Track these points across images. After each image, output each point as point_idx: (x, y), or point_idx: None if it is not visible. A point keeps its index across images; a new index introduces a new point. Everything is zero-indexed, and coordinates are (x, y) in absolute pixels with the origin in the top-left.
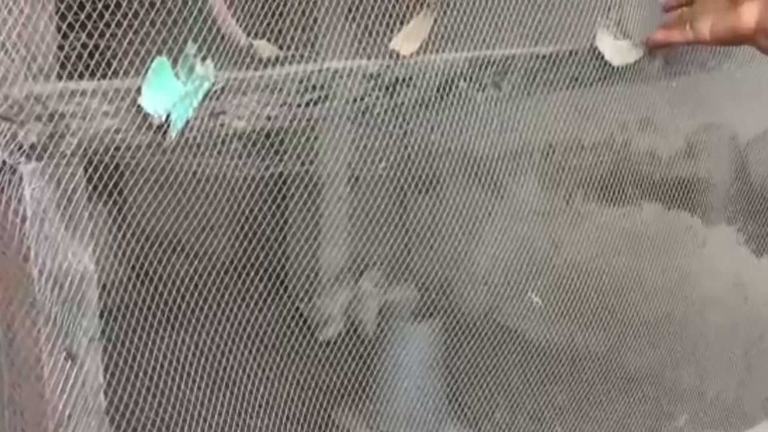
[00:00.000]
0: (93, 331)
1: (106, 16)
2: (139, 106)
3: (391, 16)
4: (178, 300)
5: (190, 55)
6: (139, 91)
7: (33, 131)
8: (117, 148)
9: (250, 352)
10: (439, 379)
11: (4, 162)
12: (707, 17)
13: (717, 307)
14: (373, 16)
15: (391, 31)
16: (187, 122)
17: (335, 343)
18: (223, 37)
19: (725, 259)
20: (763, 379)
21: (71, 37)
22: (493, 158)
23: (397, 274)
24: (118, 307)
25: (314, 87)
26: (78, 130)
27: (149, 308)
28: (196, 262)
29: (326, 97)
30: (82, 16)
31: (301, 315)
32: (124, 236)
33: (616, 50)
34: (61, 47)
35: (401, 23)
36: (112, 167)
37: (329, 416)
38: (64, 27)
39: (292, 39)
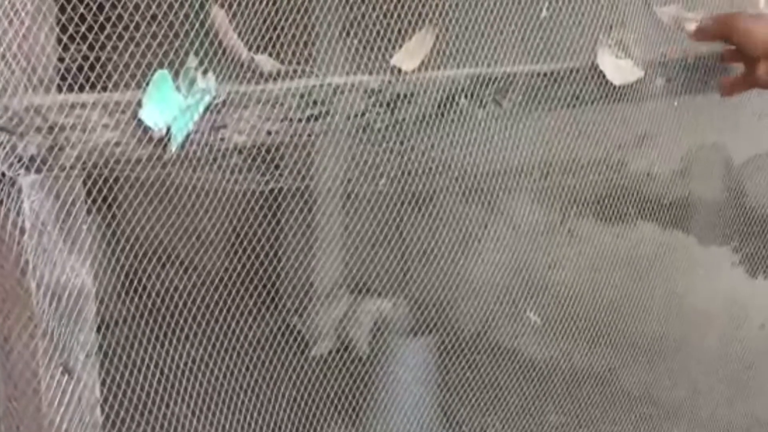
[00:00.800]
0: (90, 345)
1: (107, 28)
2: (139, 119)
3: (392, 32)
4: (171, 313)
5: (191, 68)
6: (139, 103)
7: (33, 143)
8: (117, 161)
9: (242, 366)
10: (433, 395)
11: (3, 174)
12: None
13: (712, 327)
14: (374, 33)
15: (393, 47)
16: (188, 136)
17: (328, 359)
18: (224, 51)
19: (720, 280)
20: (756, 398)
21: (72, 50)
22: (490, 175)
23: (393, 291)
24: (110, 319)
25: (315, 102)
26: (78, 142)
27: (142, 321)
28: (192, 276)
29: (327, 112)
30: (83, 29)
31: (293, 330)
32: (117, 249)
33: (617, 69)
34: (61, 59)
35: (403, 39)
36: (104, 179)
37: None
38: (64, 39)
39: (294, 54)
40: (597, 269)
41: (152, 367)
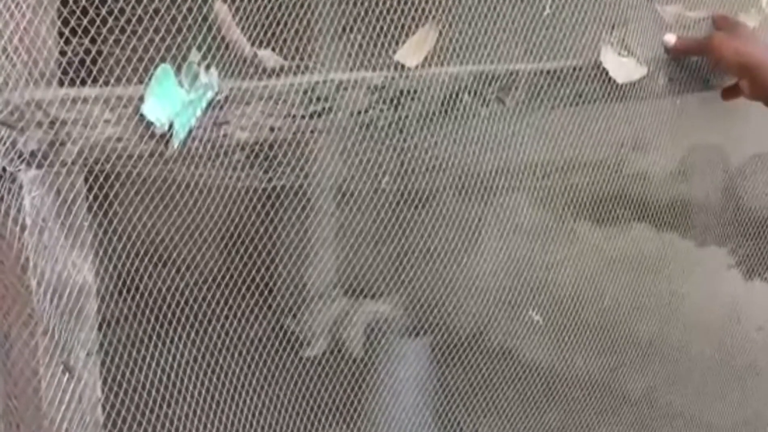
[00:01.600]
0: (91, 344)
1: (110, 21)
2: (141, 114)
3: (396, 27)
4: (164, 313)
5: (193, 63)
6: (141, 98)
7: (33, 138)
8: (119, 157)
9: (235, 367)
10: (429, 397)
11: (3, 169)
12: None
13: (709, 330)
14: (378, 28)
15: (396, 43)
16: (190, 131)
17: (321, 360)
18: (227, 46)
19: (716, 281)
20: (755, 400)
21: (73, 43)
22: (489, 174)
23: (388, 292)
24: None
25: (318, 98)
26: (79, 137)
27: (135, 321)
28: (186, 276)
29: (330, 108)
30: (85, 22)
31: (286, 331)
32: (110, 248)
33: (620, 67)
34: (63, 53)
35: (406, 35)
36: (98, 177)
37: None
38: (66, 32)
39: (297, 49)
40: (594, 271)
41: (145, 367)
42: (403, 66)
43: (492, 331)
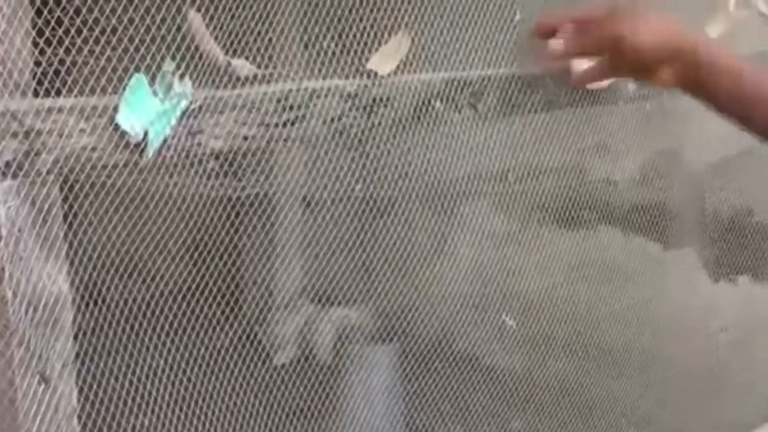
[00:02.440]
0: (67, 354)
1: (84, 32)
2: (116, 123)
3: (369, 36)
4: (132, 323)
5: (168, 73)
6: (116, 108)
7: (9, 148)
8: (93, 167)
9: (204, 375)
10: (396, 403)
11: None
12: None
13: (676, 332)
14: (350, 36)
15: (369, 51)
16: (165, 141)
17: (289, 368)
18: (201, 56)
19: (683, 284)
20: (722, 403)
21: (48, 53)
22: (457, 181)
23: (355, 299)
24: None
25: (291, 107)
26: (54, 147)
27: (103, 332)
28: (153, 286)
29: (303, 117)
30: (60, 32)
31: (256, 339)
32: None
33: None
34: (38, 63)
35: (379, 43)
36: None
37: None
38: (41, 43)
39: (270, 58)
40: (560, 276)
41: (115, 377)
42: (375, 74)
43: (460, 337)
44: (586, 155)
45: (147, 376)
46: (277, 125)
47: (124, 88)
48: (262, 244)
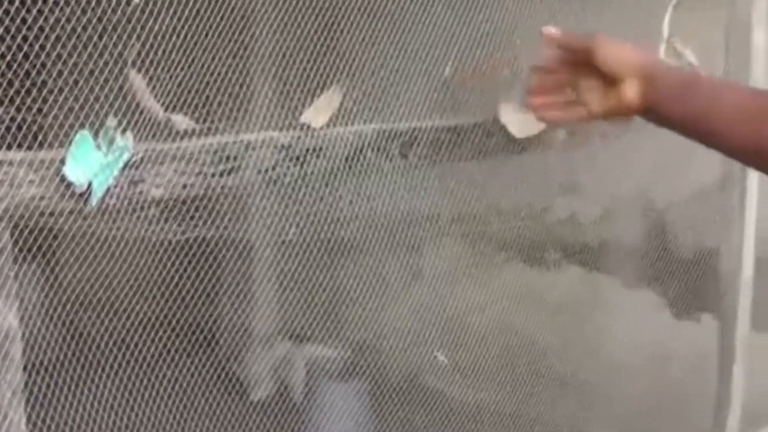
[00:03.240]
0: (16, 385)
1: (33, 92)
2: (62, 175)
3: (302, 91)
4: (110, 363)
5: (110, 128)
6: (62, 161)
7: None
8: (41, 214)
9: (183, 411)
10: None
11: None
12: (593, 93)
13: (637, 370)
14: (285, 92)
15: (303, 105)
16: (108, 190)
17: (265, 404)
18: (141, 112)
19: (645, 323)
20: None
21: (0, 112)
22: (416, 223)
23: (324, 337)
24: (46, 367)
25: (228, 158)
26: (5, 196)
27: (83, 368)
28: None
29: (239, 167)
30: (11, 93)
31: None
32: (54, 299)
33: (518, 123)
34: None
35: (312, 97)
36: (39, 230)
37: None
38: None
39: (208, 113)
40: (523, 314)
41: (92, 413)
42: (308, 126)
43: (423, 373)
44: (541, 197)
45: (126, 411)
46: (213, 175)
47: (70, 143)
48: (238, 284)
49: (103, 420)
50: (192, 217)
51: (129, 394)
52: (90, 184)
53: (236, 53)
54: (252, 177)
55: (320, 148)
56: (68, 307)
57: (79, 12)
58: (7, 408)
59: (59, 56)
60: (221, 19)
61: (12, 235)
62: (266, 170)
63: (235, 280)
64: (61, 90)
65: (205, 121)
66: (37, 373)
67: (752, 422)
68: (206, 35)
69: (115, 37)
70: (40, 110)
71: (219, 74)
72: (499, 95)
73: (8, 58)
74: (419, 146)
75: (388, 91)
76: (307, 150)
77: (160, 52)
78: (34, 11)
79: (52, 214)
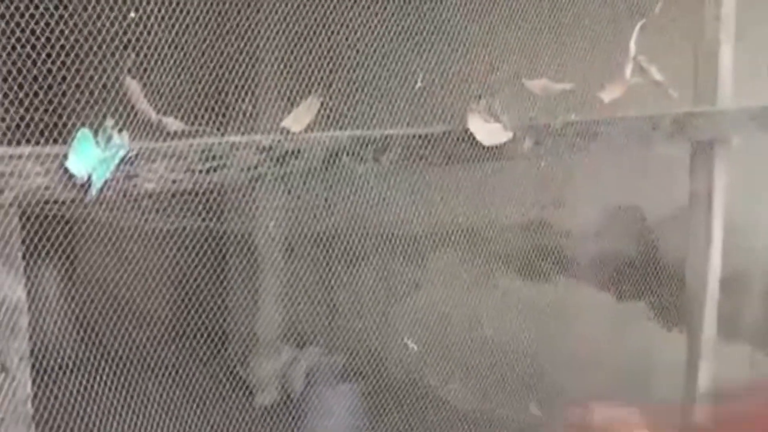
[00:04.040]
0: (23, 350)
1: (41, 94)
2: (65, 168)
3: (283, 99)
4: (122, 362)
5: (108, 127)
6: (66, 156)
7: None
8: (46, 202)
9: (191, 412)
10: None
11: None
12: None
13: (629, 379)
14: (267, 99)
15: (283, 113)
16: (105, 182)
17: (269, 407)
18: (136, 114)
19: (636, 333)
20: None
21: (11, 112)
22: (417, 235)
23: (325, 341)
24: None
25: (214, 157)
26: (15, 186)
27: (94, 368)
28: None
29: (224, 165)
30: (21, 95)
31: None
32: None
33: (486, 132)
34: (3, 119)
35: (292, 106)
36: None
37: None
38: (5, 103)
39: (197, 116)
40: (519, 324)
41: (103, 412)
42: (288, 131)
43: (422, 377)
44: (537, 210)
45: (140, 410)
46: (201, 172)
47: (73, 140)
48: (247, 290)
49: (122, 423)
50: (180, 209)
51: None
52: (90, 177)
53: (223, 64)
54: (235, 175)
55: (299, 151)
56: (93, 311)
57: (81, 25)
58: (15, 371)
59: (63, 63)
60: (209, 33)
61: (20, 219)
62: (248, 169)
63: (268, 288)
64: (64, 93)
65: (193, 123)
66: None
67: None
68: (195, 47)
69: (113, 48)
70: (46, 111)
71: (207, 82)
72: (468, 105)
73: (18, 65)
74: (391, 152)
75: (362, 100)
76: (287, 152)
77: (153, 62)
78: (42, 24)
79: (56, 202)
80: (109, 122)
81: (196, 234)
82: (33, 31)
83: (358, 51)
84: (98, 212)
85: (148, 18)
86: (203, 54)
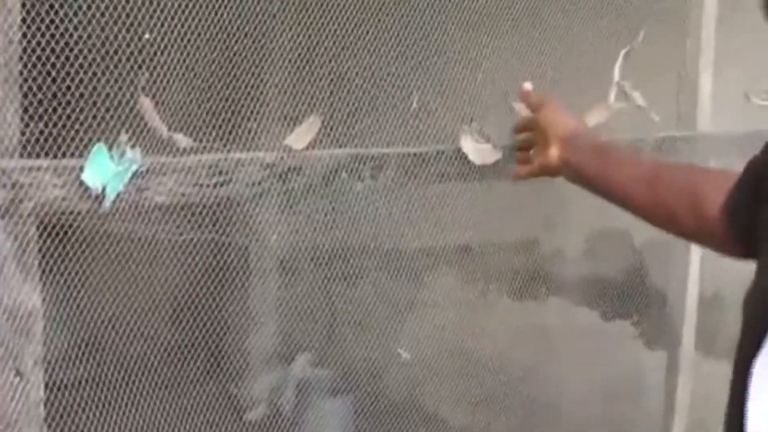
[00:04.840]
0: (37, 355)
1: (59, 110)
2: (81, 180)
3: (285, 119)
4: (114, 378)
5: (122, 143)
6: (81, 169)
7: None
8: (63, 213)
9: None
10: None
11: None
12: (537, 151)
13: (615, 397)
14: (271, 118)
15: (286, 131)
16: (118, 195)
17: (260, 423)
18: (148, 130)
19: (622, 351)
20: None
21: (31, 126)
22: (413, 253)
23: (319, 357)
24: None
25: (220, 172)
26: (33, 197)
27: (88, 386)
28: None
29: (230, 180)
30: (40, 110)
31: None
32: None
33: (477, 152)
34: (23, 133)
35: (294, 124)
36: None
37: None
38: (26, 118)
39: (205, 133)
40: (511, 343)
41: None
42: (290, 148)
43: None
44: (528, 230)
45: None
46: (208, 186)
47: (89, 154)
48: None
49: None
50: (189, 222)
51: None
52: (104, 189)
53: (231, 84)
54: (241, 189)
55: (300, 168)
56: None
57: (99, 45)
58: (30, 375)
59: (81, 81)
60: (219, 55)
61: (38, 228)
62: (253, 184)
63: (262, 305)
64: (82, 110)
65: (202, 140)
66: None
67: None
68: (205, 67)
69: (128, 67)
70: (64, 126)
71: (216, 101)
72: (460, 126)
73: (39, 82)
74: (388, 170)
75: (361, 120)
76: (289, 168)
77: (166, 81)
78: (62, 44)
79: (71, 213)
80: (123, 138)
81: (194, 247)
82: (53, 50)
83: (357, 73)
84: (111, 223)
85: (162, 39)
86: (212, 75)
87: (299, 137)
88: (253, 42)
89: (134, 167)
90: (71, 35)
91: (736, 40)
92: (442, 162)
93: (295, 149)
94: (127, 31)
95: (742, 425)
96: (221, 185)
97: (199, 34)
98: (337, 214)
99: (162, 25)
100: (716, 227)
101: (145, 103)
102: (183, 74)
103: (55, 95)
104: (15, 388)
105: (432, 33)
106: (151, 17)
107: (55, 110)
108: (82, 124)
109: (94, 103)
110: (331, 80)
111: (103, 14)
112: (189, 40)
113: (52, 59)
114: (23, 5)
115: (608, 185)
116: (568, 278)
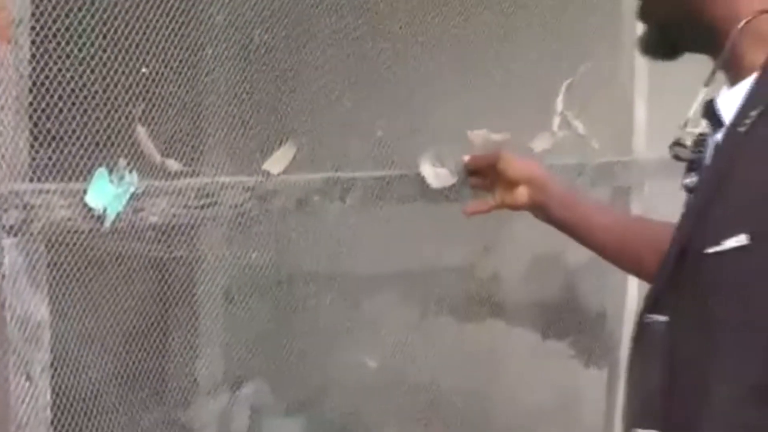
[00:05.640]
0: (45, 362)
1: (65, 138)
2: (84, 202)
3: (264, 145)
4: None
5: (121, 167)
6: (85, 191)
7: (12, 216)
8: (68, 232)
9: None
10: None
11: None
12: (500, 191)
13: (555, 416)
14: (251, 145)
15: (265, 155)
16: (118, 215)
17: None
18: (144, 156)
19: (562, 371)
20: None
21: (40, 152)
22: (355, 278)
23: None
24: None
25: (207, 194)
26: (42, 217)
27: None
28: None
29: (215, 202)
30: (48, 139)
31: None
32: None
33: (435, 176)
34: (33, 159)
35: (271, 150)
36: None
37: None
38: (35, 145)
39: (193, 159)
40: (449, 365)
41: None
42: (269, 173)
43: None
44: (464, 256)
45: None
46: (196, 207)
47: (91, 177)
48: (186, 334)
49: None
50: (178, 240)
51: None
52: (105, 210)
53: (218, 114)
54: (225, 211)
55: (277, 191)
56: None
57: (98, 76)
58: (38, 380)
59: (85, 111)
60: (208, 86)
61: (46, 246)
62: (236, 206)
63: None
64: (85, 137)
65: (191, 165)
66: None
67: None
68: (195, 98)
69: (126, 98)
70: (69, 152)
71: (203, 130)
72: (420, 152)
73: (47, 113)
74: (355, 192)
75: (331, 146)
76: (268, 191)
77: (160, 111)
78: (68, 77)
79: (76, 231)
80: (122, 162)
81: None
82: (60, 83)
83: (328, 104)
84: (111, 242)
85: (157, 73)
86: (203, 105)
87: (276, 162)
88: (233, 81)
89: (132, 189)
90: (76, 69)
91: (669, 67)
92: (403, 185)
93: (272, 173)
94: (127, 65)
95: None
96: (208, 207)
97: (189, 68)
98: (281, 237)
99: (157, 61)
100: None
101: (141, 132)
102: (176, 104)
103: (61, 125)
104: (26, 392)
105: (395, 70)
106: (148, 53)
107: (61, 139)
108: (85, 150)
109: (97, 132)
110: (305, 110)
111: (104, 50)
112: (183, 75)
113: (59, 91)
114: (32, 42)
115: (578, 230)
116: (507, 300)
